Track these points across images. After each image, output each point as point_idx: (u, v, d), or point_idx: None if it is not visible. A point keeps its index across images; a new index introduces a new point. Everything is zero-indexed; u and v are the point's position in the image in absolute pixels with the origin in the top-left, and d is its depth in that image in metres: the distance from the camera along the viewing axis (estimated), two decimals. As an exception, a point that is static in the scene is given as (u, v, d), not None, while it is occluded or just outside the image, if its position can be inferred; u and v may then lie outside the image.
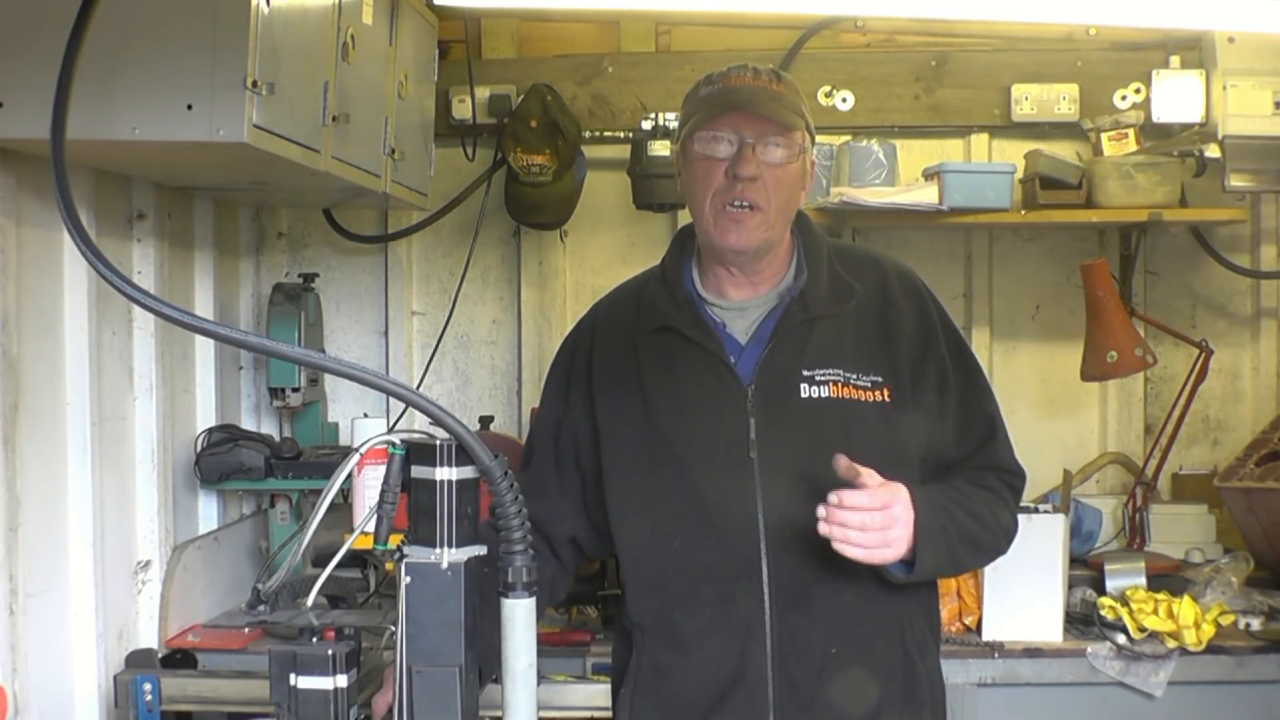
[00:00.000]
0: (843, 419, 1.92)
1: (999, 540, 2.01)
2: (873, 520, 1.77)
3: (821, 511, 1.76)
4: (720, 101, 1.93)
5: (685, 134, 1.98)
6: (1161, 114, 3.43)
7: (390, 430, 2.27)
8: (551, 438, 2.11)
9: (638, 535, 2.00)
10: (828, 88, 3.63)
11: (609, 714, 2.12)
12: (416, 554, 1.61)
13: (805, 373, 1.93)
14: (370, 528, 1.66)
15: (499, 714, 1.54)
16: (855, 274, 2.01)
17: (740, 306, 2.01)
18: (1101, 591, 2.99)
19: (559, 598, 2.26)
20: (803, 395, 1.92)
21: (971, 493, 1.96)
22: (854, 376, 1.93)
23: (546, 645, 2.71)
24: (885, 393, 1.94)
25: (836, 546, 1.77)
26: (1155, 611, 2.82)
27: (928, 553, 1.85)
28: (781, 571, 1.89)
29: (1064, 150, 3.52)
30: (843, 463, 1.79)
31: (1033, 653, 2.84)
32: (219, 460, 3.09)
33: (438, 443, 1.62)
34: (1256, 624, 2.90)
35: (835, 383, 1.93)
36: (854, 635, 1.93)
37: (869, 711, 1.92)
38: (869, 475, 1.79)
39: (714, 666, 1.93)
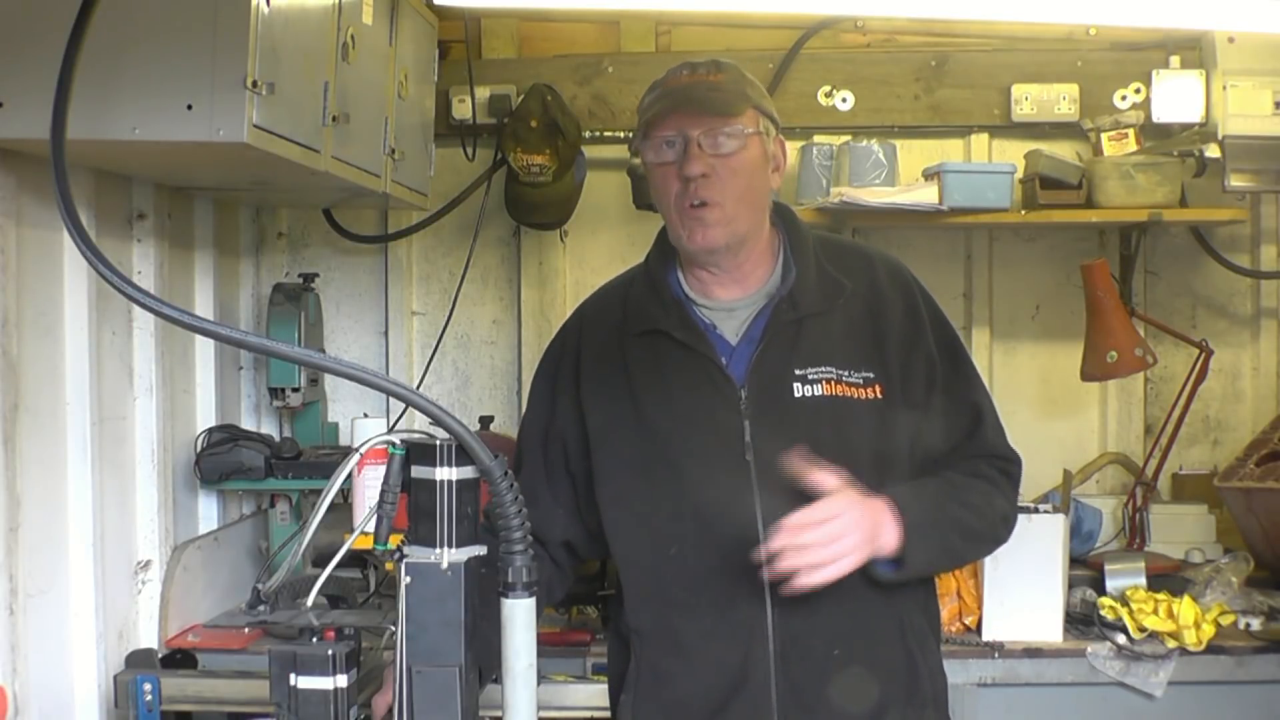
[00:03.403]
0: (836, 417, 1.92)
1: (997, 528, 2.01)
2: (822, 534, 1.76)
3: (762, 555, 1.76)
4: (660, 106, 1.93)
5: (637, 147, 1.99)
6: (1161, 114, 3.43)
7: (390, 430, 2.27)
8: (540, 443, 2.10)
9: (634, 542, 1.99)
10: (828, 88, 3.63)
11: (609, 714, 2.12)
12: (416, 554, 1.61)
13: (798, 372, 1.92)
14: (370, 528, 1.66)
15: (499, 714, 1.54)
16: (843, 269, 2.00)
17: (729, 307, 2.00)
18: (1101, 591, 3.00)
19: (555, 600, 2.25)
20: (796, 394, 1.91)
21: (964, 483, 1.95)
22: (846, 373, 1.93)
23: (546, 645, 2.70)
24: (877, 389, 1.93)
25: (800, 581, 1.76)
26: (1155, 611, 2.82)
27: (918, 550, 1.86)
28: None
29: (1064, 150, 3.52)
30: (795, 463, 1.80)
31: (1033, 653, 2.84)
32: (219, 460, 3.09)
33: (438, 443, 1.62)
34: (1256, 624, 2.90)
35: (828, 380, 1.92)
36: (856, 636, 1.92)
37: (873, 711, 1.92)
38: (821, 478, 1.80)
39: (716, 671, 1.92)
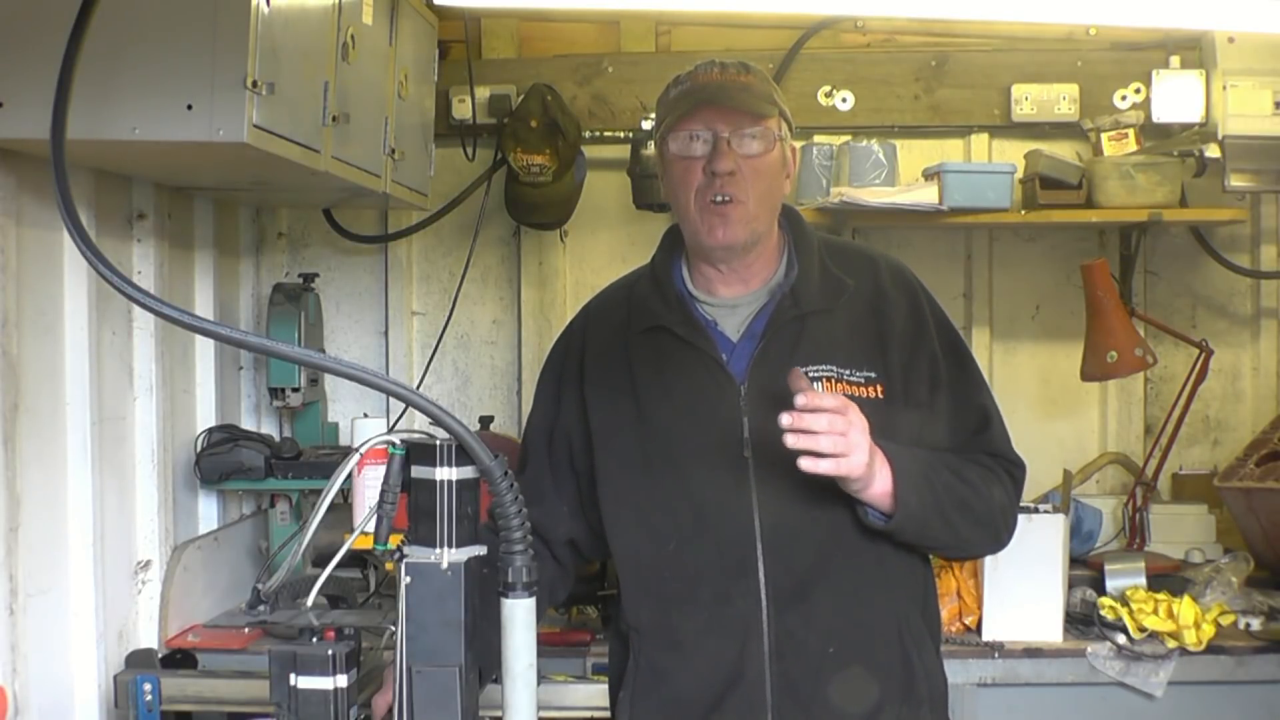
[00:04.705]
0: None
1: (993, 512, 1.96)
2: (833, 423, 1.73)
3: (786, 420, 1.72)
4: (690, 99, 1.93)
5: (660, 136, 1.98)
6: (1161, 114, 3.44)
7: (390, 430, 2.27)
8: (545, 442, 2.10)
9: (633, 538, 1.99)
10: (828, 88, 3.63)
11: (609, 714, 2.12)
12: (416, 554, 1.60)
13: (799, 369, 1.92)
14: (370, 528, 1.66)
15: (499, 714, 1.54)
16: (846, 269, 2.00)
17: (731, 304, 2.00)
18: (1101, 591, 3.00)
19: (559, 599, 2.25)
20: None
21: (959, 463, 1.94)
22: (847, 372, 1.93)
23: (546, 645, 2.71)
24: (878, 389, 1.93)
25: (805, 464, 1.73)
26: (1155, 611, 2.82)
27: (911, 495, 1.83)
28: (778, 570, 1.88)
29: (1064, 150, 3.53)
30: (798, 377, 1.78)
31: (1033, 653, 2.84)
32: (219, 460, 3.09)
33: (438, 443, 1.62)
34: (1256, 624, 2.90)
35: (829, 379, 1.91)
36: (852, 633, 1.92)
37: (868, 710, 1.92)
38: (823, 396, 1.78)
39: (712, 667, 1.92)
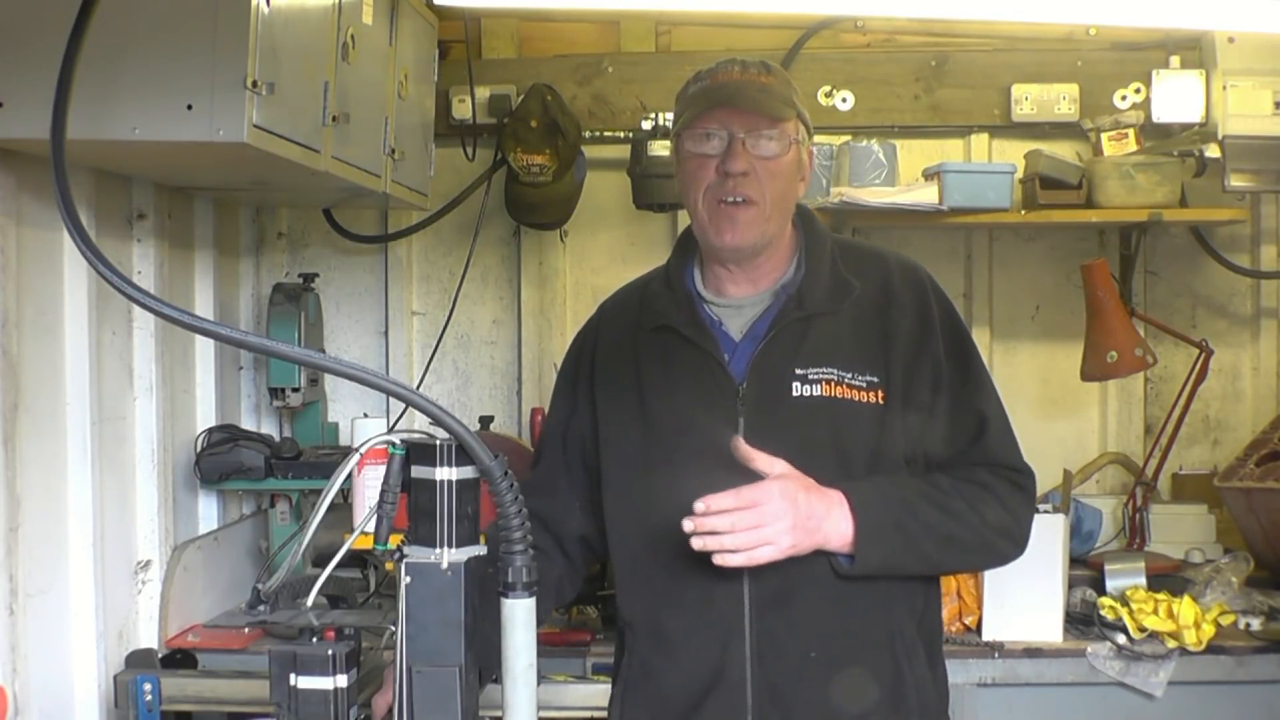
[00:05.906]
0: (834, 418, 1.90)
1: (988, 537, 1.93)
2: (742, 520, 1.75)
3: (689, 525, 1.74)
4: (708, 98, 1.92)
5: (676, 132, 1.98)
6: (1161, 114, 3.44)
7: (390, 430, 2.27)
8: (560, 437, 2.11)
9: (627, 535, 2.00)
10: (828, 88, 3.63)
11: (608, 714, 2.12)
12: (416, 554, 1.61)
13: (798, 371, 1.91)
14: (370, 528, 1.66)
15: (499, 714, 1.54)
16: (856, 270, 1.98)
17: (737, 304, 1.99)
18: (1101, 591, 3.00)
19: (567, 597, 2.22)
20: (794, 394, 1.90)
21: (950, 487, 1.90)
22: (849, 376, 1.91)
23: (546, 645, 2.71)
24: (879, 394, 1.91)
25: (717, 560, 1.76)
26: (1155, 611, 2.82)
27: (874, 550, 1.83)
28: (762, 572, 1.84)
29: (1064, 150, 3.53)
30: (741, 447, 1.80)
31: (1033, 653, 2.84)
32: (219, 460, 3.09)
33: (438, 443, 1.62)
34: (1256, 624, 2.90)
35: (829, 382, 1.90)
36: (836, 639, 1.90)
37: (851, 716, 1.89)
38: (767, 463, 1.80)
39: (696, 666, 1.92)
